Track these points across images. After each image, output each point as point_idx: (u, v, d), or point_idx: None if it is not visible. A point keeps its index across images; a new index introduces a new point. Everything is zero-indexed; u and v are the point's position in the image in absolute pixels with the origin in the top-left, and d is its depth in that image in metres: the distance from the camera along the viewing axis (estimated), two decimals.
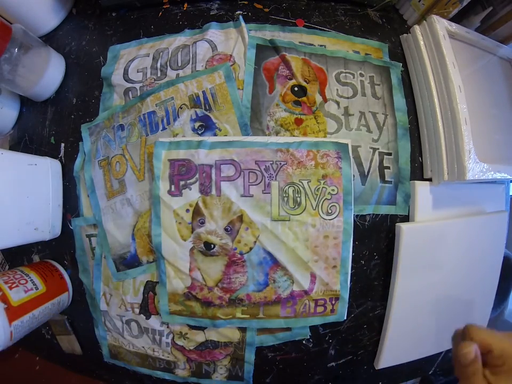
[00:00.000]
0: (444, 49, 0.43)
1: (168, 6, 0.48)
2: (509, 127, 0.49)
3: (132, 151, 0.43)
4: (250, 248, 0.38)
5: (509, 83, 0.52)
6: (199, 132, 0.41)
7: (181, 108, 0.42)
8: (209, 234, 0.38)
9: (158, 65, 0.45)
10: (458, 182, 0.43)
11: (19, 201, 0.40)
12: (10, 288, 0.39)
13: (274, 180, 0.38)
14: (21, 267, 0.44)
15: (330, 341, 0.45)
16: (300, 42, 0.46)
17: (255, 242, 0.38)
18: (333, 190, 0.39)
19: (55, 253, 0.48)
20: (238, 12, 0.47)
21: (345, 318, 0.41)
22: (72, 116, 0.47)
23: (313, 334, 0.43)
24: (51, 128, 0.49)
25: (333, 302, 0.40)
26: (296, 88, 0.43)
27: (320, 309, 0.40)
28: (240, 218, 0.38)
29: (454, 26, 0.46)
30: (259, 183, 0.38)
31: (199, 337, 0.42)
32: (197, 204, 0.38)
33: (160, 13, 0.49)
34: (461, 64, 0.44)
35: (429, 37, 0.45)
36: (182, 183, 0.38)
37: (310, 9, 0.48)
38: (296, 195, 0.39)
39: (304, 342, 0.44)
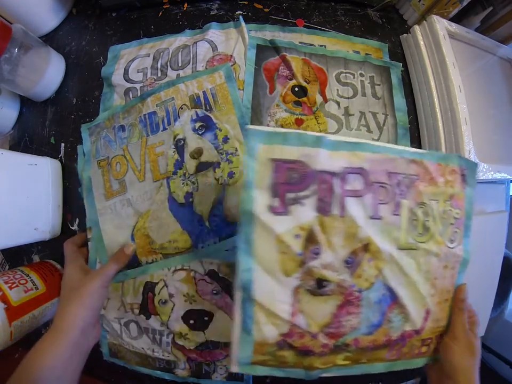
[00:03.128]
0: (444, 49, 0.43)
1: (168, 6, 0.49)
2: (509, 127, 0.49)
3: (132, 152, 0.42)
4: (371, 284, 0.30)
5: (509, 83, 0.52)
6: (200, 132, 0.41)
7: (182, 108, 0.42)
8: (324, 268, 0.28)
9: (159, 65, 0.45)
10: None
11: (19, 201, 0.40)
12: (10, 288, 0.39)
13: (405, 198, 0.30)
14: (21, 267, 0.44)
15: None
16: (300, 43, 0.46)
17: (377, 276, 0.30)
18: (457, 213, 0.33)
19: (55, 253, 0.48)
20: (238, 12, 0.47)
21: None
22: (72, 116, 0.47)
23: None
24: (51, 128, 0.49)
25: (439, 339, 0.34)
26: (296, 89, 0.43)
27: (424, 349, 0.34)
28: (366, 247, 0.29)
29: (454, 26, 0.46)
30: (389, 202, 0.30)
31: (200, 337, 0.42)
32: (311, 227, 0.27)
33: (160, 13, 0.49)
34: (461, 64, 0.44)
35: (429, 37, 0.45)
36: (291, 196, 0.27)
37: (310, 9, 0.48)
38: (425, 218, 0.31)
39: None
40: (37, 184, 0.43)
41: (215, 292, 0.41)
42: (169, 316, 0.42)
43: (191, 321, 0.42)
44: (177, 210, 0.41)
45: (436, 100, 0.44)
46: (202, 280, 0.41)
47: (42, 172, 0.44)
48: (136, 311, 0.42)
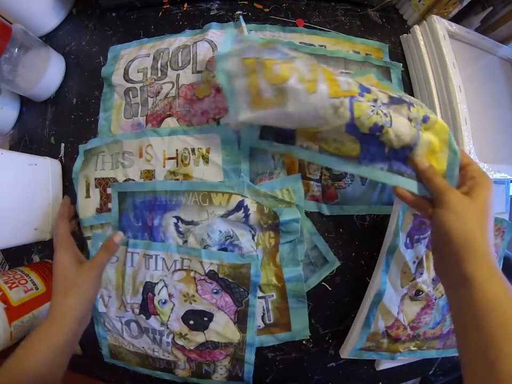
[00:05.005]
0: (444, 49, 0.43)
1: (168, 6, 0.48)
2: (509, 127, 0.49)
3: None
4: (442, 295, 0.43)
5: (509, 83, 0.52)
6: None
7: None
8: (422, 283, 0.41)
9: (159, 65, 0.44)
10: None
11: (19, 201, 0.40)
12: (10, 288, 0.39)
13: None
14: (21, 267, 0.44)
15: (330, 341, 0.44)
16: (300, 43, 0.46)
17: None
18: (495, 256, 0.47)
19: None
20: (238, 12, 0.47)
21: None
22: (72, 116, 0.47)
23: (313, 334, 0.44)
24: (51, 128, 0.49)
25: None
26: None
27: None
28: None
29: (454, 26, 0.46)
30: None
31: (199, 337, 0.42)
32: (422, 256, 0.41)
33: (160, 13, 0.49)
34: (461, 64, 0.44)
35: (429, 37, 0.45)
36: (416, 237, 0.40)
37: (310, 9, 0.48)
38: None
39: (304, 342, 0.44)
40: (37, 184, 0.43)
41: (215, 291, 0.41)
42: (169, 316, 0.42)
43: (191, 322, 0.42)
44: (358, 133, 0.32)
45: (436, 100, 0.44)
46: (202, 280, 0.41)
47: (42, 172, 0.44)
48: (137, 310, 0.42)
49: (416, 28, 0.46)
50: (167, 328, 0.42)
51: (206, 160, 0.41)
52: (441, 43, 0.43)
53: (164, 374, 0.45)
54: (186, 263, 0.41)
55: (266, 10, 0.47)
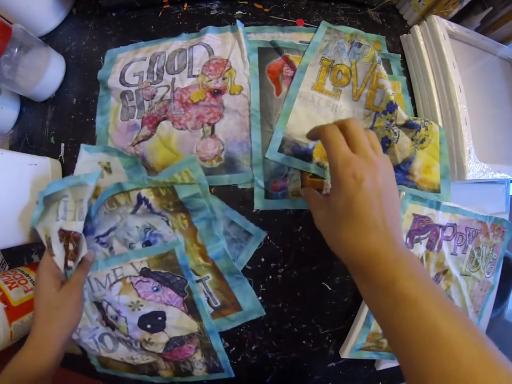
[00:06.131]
0: (444, 49, 0.43)
1: (168, 6, 0.48)
2: (509, 127, 0.49)
3: (359, 69, 0.44)
4: None
5: (509, 83, 0.52)
6: None
7: None
8: None
9: (155, 69, 0.44)
10: (458, 182, 0.43)
11: (19, 201, 0.40)
12: (10, 288, 0.39)
13: (470, 243, 0.46)
14: (21, 267, 0.44)
15: (330, 341, 0.45)
16: (300, 42, 0.46)
17: (445, 290, 0.45)
18: (495, 255, 0.49)
19: None
20: (238, 12, 0.47)
21: None
22: (72, 116, 0.47)
23: (313, 334, 0.44)
24: (51, 128, 0.49)
25: None
26: None
27: None
28: (445, 271, 0.44)
29: (454, 26, 0.46)
30: (462, 245, 0.46)
31: (163, 337, 0.42)
32: (422, 256, 0.42)
33: (160, 13, 0.49)
34: (461, 64, 0.44)
35: (429, 37, 0.45)
36: (416, 237, 0.42)
37: (310, 9, 0.48)
38: (478, 257, 0.47)
39: (304, 342, 0.44)
40: (37, 184, 0.43)
41: (155, 288, 0.41)
42: (127, 329, 0.42)
43: (148, 326, 0.42)
44: None
45: (436, 100, 0.44)
46: (139, 281, 0.41)
47: (42, 172, 0.44)
48: (104, 322, 0.43)
49: (416, 28, 0.46)
50: (131, 338, 0.42)
51: (108, 170, 0.42)
52: (441, 43, 0.43)
53: (151, 377, 0.45)
54: (119, 272, 0.41)
55: (266, 10, 0.47)
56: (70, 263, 0.37)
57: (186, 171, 0.39)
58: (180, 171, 0.39)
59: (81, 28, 0.50)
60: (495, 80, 0.51)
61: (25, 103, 0.51)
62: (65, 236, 0.37)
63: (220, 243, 0.40)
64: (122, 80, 0.45)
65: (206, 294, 0.42)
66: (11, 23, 0.43)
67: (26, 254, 0.49)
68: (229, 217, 0.41)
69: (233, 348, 0.43)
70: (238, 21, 0.45)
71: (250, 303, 0.41)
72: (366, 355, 0.43)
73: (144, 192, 0.39)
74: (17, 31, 0.42)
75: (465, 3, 0.45)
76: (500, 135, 0.48)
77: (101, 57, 0.48)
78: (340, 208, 0.28)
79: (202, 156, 0.41)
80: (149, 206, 0.39)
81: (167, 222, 0.40)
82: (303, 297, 0.43)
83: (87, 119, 0.47)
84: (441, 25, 0.44)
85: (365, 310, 0.41)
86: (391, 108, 0.41)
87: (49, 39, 0.51)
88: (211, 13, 0.48)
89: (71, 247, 0.37)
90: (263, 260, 0.42)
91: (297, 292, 0.43)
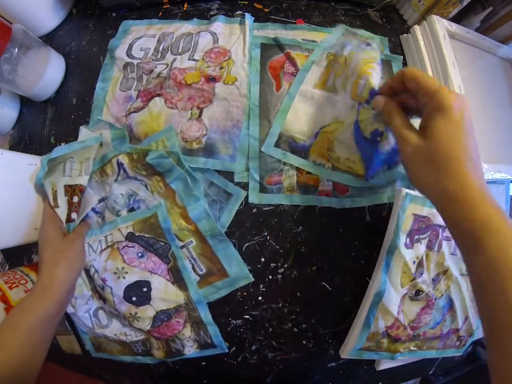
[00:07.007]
0: (444, 49, 0.43)
1: (168, 6, 0.49)
2: (509, 127, 0.49)
3: (355, 57, 0.41)
4: (442, 295, 0.44)
5: (509, 83, 0.52)
6: None
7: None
8: (422, 283, 0.41)
9: (161, 48, 0.46)
10: None
11: (19, 201, 0.40)
12: (10, 288, 0.39)
13: None
14: (21, 267, 0.44)
15: (330, 341, 0.45)
16: (302, 39, 0.46)
17: (446, 290, 0.44)
18: None
19: None
20: (238, 12, 0.47)
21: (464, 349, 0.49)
22: (72, 116, 0.47)
23: (313, 334, 0.44)
24: (51, 128, 0.49)
25: (467, 338, 0.47)
26: None
27: (458, 343, 0.48)
28: (445, 271, 0.43)
29: (454, 26, 0.46)
30: None
31: (149, 311, 0.41)
32: (421, 256, 0.42)
33: (160, 13, 0.49)
34: (461, 64, 0.44)
35: (429, 37, 0.45)
36: (416, 237, 0.41)
37: (310, 9, 0.48)
38: None
39: (304, 342, 0.44)
40: (37, 184, 0.43)
41: (140, 254, 0.41)
42: (113, 301, 0.41)
43: (134, 298, 0.41)
44: (360, 140, 0.40)
45: None
46: (125, 247, 0.41)
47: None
48: (97, 295, 0.43)
49: (416, 28, 0.46)
50: (119, 312, 0.42)
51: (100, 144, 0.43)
52: (441, 43, 0.43)
53: (145, 358, 0.44)
54: (110, 239, 0.41)
55: (266, 10, 0.47)
56: (73, 215, 0.40)
57: (163, 140, 0.41)
58: (157, 140, 0.42)
59: (81, 27, 0.50)
60: (495, 80, 0.51)
61: (25, 103, 0.51)
62: (70, 191, 0.41)
63: (200, 203, 0.40)
64: (128, 52, 0.46)
65: (190, 261, 0.41)
66: (11, 23, 0.43)
67: (26, 254, 0.49)
68: (209, 179, 0.42)
69: (233, 348, 0.43)
70: (247, 15, 0.46)
71: (236, 268, 0.41)
72: (366, 355, 0.43)
73: (121, 158, 0.41)
74: (17, 31, 0.42)
75: (465, 3, 0.45)
76: (500, 135, 0.48)
77: (101, 57, 0.48)
78: (446, 134, 0.26)
79: (185, 137, 0.42)
80: (124, 170, 0.40)
81: (146, 186, 0.41)
82: (303, 297, 0.43)
83: (87, 119, 0.47)
84: (441, 25, 0.44)
85: (365, 310, 0.40)
86: (373, 94, 0.36)
87: (49, 39, 0.51)
88: (211, 13, 0.48)
89: (75, 199, 0.40)
90: (263, 260, 0.42)
91: (297, 292, 0.43)
